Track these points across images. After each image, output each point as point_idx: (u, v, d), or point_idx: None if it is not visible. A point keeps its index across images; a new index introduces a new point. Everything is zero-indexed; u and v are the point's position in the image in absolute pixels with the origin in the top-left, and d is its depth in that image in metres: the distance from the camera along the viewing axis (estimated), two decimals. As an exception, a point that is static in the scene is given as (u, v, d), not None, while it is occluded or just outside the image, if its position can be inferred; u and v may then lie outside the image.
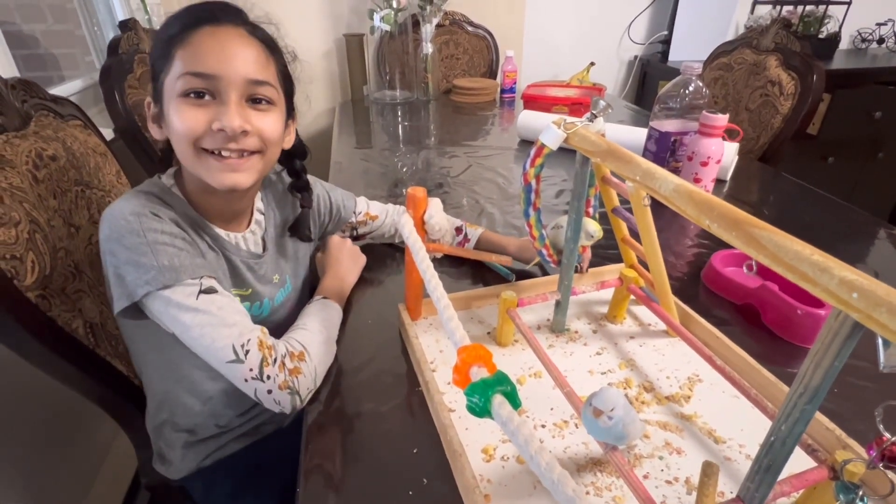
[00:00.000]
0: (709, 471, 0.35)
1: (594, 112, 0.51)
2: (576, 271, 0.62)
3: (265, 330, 0.56)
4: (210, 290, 0.55)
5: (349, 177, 1.20)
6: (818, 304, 0.66)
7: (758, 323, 0.69)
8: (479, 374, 0.41)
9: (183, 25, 0.55)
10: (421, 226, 0.60)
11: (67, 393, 0.65)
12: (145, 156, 1.10)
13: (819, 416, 0.48)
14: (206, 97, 0.54)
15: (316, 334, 0.61)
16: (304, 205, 0.73)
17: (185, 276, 0.54)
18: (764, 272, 0.75)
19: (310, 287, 0.80)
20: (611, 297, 0.67)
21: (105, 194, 0.78)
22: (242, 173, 0.57)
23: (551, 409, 0.54)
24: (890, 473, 0.35)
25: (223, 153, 0.56)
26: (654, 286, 0.60)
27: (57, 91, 0.87)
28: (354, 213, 0.83)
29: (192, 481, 0.74)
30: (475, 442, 0.50)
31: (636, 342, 0.63)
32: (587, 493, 0.45)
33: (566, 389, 0.48)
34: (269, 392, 0.54)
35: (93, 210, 0.73)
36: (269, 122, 0.58)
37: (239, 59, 0.55)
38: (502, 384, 0.40)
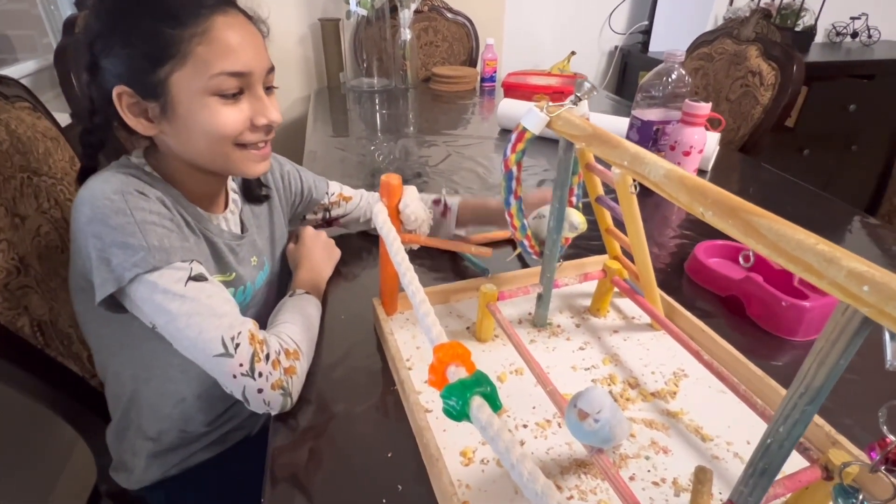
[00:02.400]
0: (702, 477, 0.33)
1: (578, 94, 0.48)
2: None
3: (256, 323, 0.52)
4: (199, 277, 0.51)
5: (325, 166, 1.16)
6: (803, 296, 0.64)
7: (742, 315, 0.67)
8: (456, 374, 0.38)
9: (188, 13, 0.50)
10: (396, 215, 0.56)
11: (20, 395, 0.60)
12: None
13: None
14: (238, 94, 0.53)
15: (304, 332, 0.57)
16: None
17: (176, 258, 0.51)
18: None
19: (288, 273, 0.76)
20: (594, 290, 0.65)
21: (56, 182, 0.72)
22: (268, 159, 0.60)
23: (533, 407, 0.51)
24: (892, 477, 0.33)
25: (259, 145, 0.57)
26: (639, 278, 0.58)
27: (7, 72, 0.81)
28: (327, 193, 0.80)
29: (154, 492, 0.70)
30: (453, 444, 0.47)
31: (620, 336, 0.61)
32: (571, 497, 0.43)
33: (549, 388, 0.46)
34: (260, 391, 0.49)
35: (41, 199, 0.68)
36: (277, 105, 0.58)
37: (260, 50, 0.55)
38: (481, 385, 0.37)
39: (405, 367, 0.54)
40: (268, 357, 0.50)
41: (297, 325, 0.57)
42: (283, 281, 0.76)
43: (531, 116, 0.49)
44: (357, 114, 1.59)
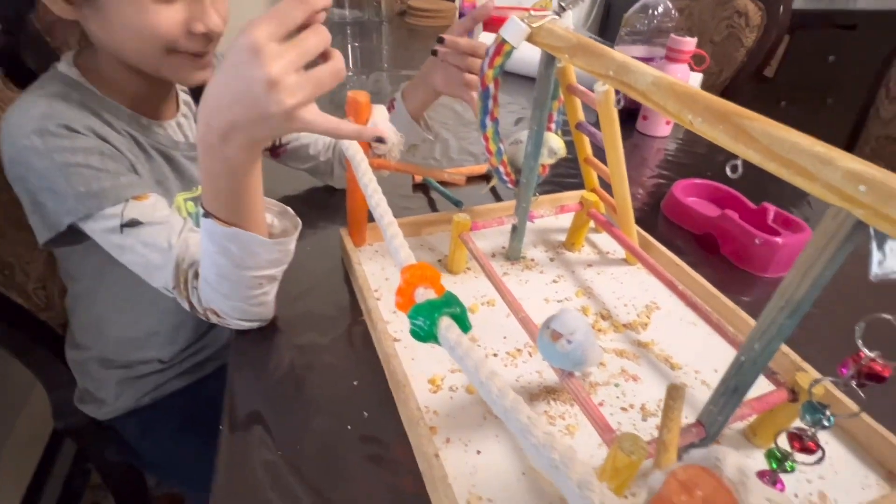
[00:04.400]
0: (675, 394, 0.32)
1: (562, 4, 0.45)
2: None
3: (184, 276, 0.48)
4: (133, 223, 0.47)
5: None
6: (775, 233, 0.64)
7: (716, 253, 0.67)
8: (425, 296, 0.37)
9: None
10: (364, 137, 0.52)
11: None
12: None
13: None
14: None
15: (216, 286, 0.46)
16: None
17: (107, 203, 0.46)
18: (723, 201, 0.73)
19: None
20: (570, 224, 0.63)
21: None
22: (211, 66, 0.52)
23: (504, 337, 0.50)
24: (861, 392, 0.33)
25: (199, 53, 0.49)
26: (616, 209, 0.56)
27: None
28: None
29: (125, 421, 0.68)
30: (421, 373, 0.46)
31: (594, 270, 0.60)
32: (540, 422, 0.42)
33: (521, 315, 0.44)
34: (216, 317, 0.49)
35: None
36: (225, 8, 0.50)
37: None
38: (450, 306, 0.35)
39: (373, 297, 0.52)
40: (205, 315, 0.49)
41: (210, 285, 0.46)
42: None
43: (511, 26, 0.45)
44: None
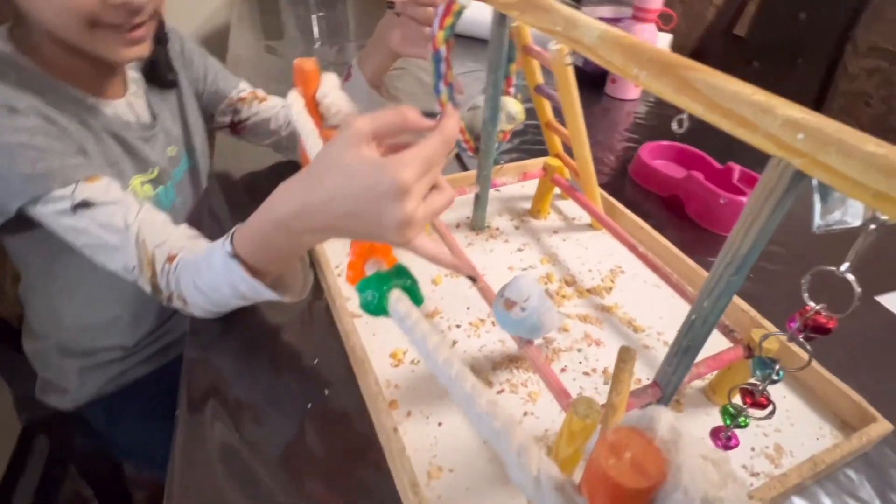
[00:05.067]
0: (625, 356, 0.32)
1: (512, -42, 0.42)
2: (493, 164, 0.56)
3: (149, 257, 0.45)
4: (85, 204, 0.45)
5: (251, 73, 1.04)
6: (740, 192, 0.64)
7: (682, 216, 0.67)
8: (375, 268, 0.35)
9: None
10: (314, 107, 0.50)
11: None
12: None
13: (735, 298, 0.47)
14: None
15: (203, 294, 0.44)
16: (158, 38, 0.58)
17: (56, 185, 0.44)
18: (690, 162, 0.73)
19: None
20: (534, 192, 0.62)
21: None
22: (144, 43, 0.49)
23: (467, 308, 0.50)
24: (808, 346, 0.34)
25: (125, 26, 0.46)
26: (579, 173, 0.55)
27: None
28: (236, 88, 0.69)
29: (91, 409, 0.67)
30: (382, 348, 0.45)
31: (559, 237, 0.60)
32: (502, 390, 0.42)
33: (480, 284, 0.44)
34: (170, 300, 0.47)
35: None
36: None
37: None
38: (400, 277, 0.34)
39: (333, 273, 0.51)
40: (169, 299, 0.46)
41: (201, 292, 0.43)
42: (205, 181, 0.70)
43: (459, -16, 0.43)
44: (293, 16, 1.43)
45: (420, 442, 0.38)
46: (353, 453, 0.39)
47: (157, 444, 0.66)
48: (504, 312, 0.36)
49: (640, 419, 0.20)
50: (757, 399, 0.32)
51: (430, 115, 0.34)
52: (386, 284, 0.33)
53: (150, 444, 0.67)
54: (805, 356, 0.31)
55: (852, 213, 0.24)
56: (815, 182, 0.24)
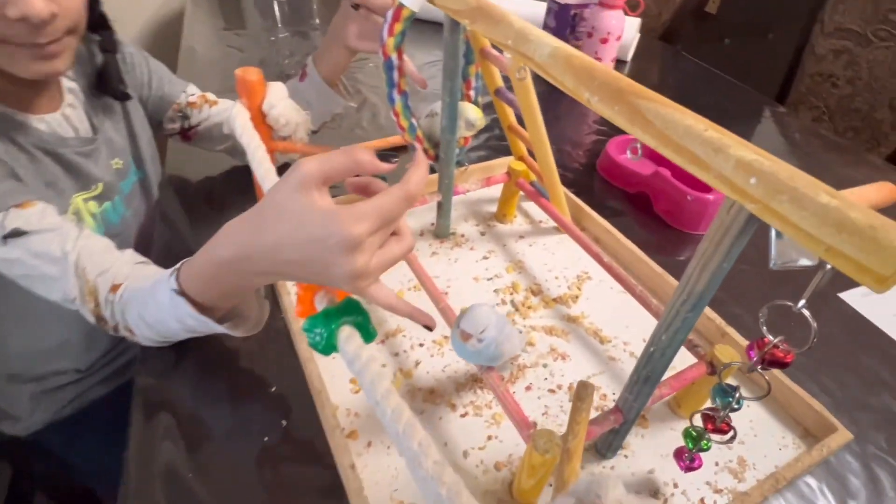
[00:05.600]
0: (583, 393, 0.31)
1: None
2: (458, 166, 0.54)
3: (91, 287, 0.43)
4: (16, 233, 0.42)
5: (207, 67, 0.99)
6: (707, 189, 0.63)
7: (650, 213, 0.66)
8: (325, 301, 0.34)
9: None
10: (262, 119, 0.47)
11: None
12: None
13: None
14: None
15: (147, 328, 0.42)
16: (107, 48, 0.55)
17: None
18: (659, 157, 0.72)
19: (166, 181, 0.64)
20: (500, 195, 0.61)
21: None
22: (59, 58, 0.45)
23: (431, 325, 0.48)
24: (768, 375, 0.33)
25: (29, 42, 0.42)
26: (542, 178, 0.54)
27: None
28: (184, 92, 0.64)
29: (47, 435, 0.64)
30: (343, 373, 0.44)
31: (526, 242, 0.58)
32: (465, 413, 0.41)
33: (441, 305, 0.42)
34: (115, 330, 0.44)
35: None
36: None
37: None
38: (350, 313, 0.33)
39: (290, 293, 0.49)
40: (115, 329, 0.44)
41: (149, 325, 0.41)
42: (156, 192, 0.66)
43: (407, -12, 0.40)
44: (253, 4, 1.36)
45: (380, 475, 0.37)
46: (314, 489, 0.37)
47: (118, 466, 0.65)
48: (461, 344, 0.34)
49: (587, 491, 0.19)
50: (718, 426, 0.32)
51: (390, 152, 0.32)
52: (334, 322, 0.32)
53: (111, 466, 0.65)
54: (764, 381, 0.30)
55: (808, 254, 0.23)
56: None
